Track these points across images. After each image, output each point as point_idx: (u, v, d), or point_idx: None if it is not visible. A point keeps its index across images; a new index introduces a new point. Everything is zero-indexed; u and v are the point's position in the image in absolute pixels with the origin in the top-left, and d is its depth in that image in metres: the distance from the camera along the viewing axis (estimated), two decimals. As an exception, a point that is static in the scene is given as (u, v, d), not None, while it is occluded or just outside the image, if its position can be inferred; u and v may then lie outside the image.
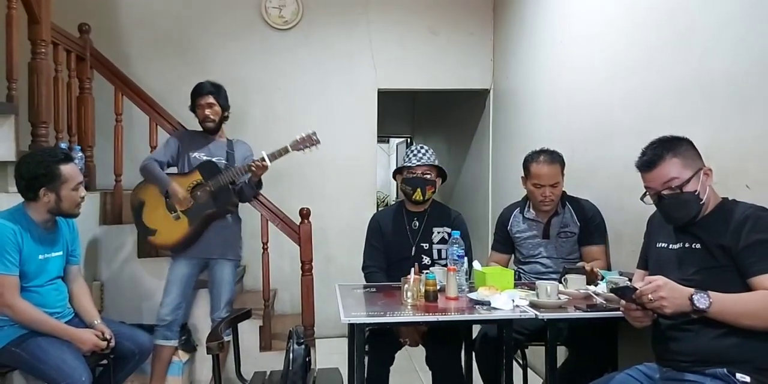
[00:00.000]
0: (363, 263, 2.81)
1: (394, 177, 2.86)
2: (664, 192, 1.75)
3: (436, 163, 2.74)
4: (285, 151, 2.94)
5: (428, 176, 2.71)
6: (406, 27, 4.45)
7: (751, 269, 1.61)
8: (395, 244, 2.76)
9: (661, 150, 1.76)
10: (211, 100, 3.02)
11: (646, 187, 1.81)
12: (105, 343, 2.32)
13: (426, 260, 2.71)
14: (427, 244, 2.73)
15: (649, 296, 1.57)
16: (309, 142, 2.95)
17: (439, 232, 2.74)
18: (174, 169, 3.12)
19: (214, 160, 3.04)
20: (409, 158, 2.74)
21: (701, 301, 1.55)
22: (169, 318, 2.99)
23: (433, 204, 2.83)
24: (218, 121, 3.07)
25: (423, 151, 2.74)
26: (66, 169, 2.28)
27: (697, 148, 1.79)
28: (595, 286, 2.26)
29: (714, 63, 2.09)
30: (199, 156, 3.05)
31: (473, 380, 2.69)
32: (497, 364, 2.22)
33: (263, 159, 2.89)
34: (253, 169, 2.90)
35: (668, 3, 2.35)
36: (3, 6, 2.69)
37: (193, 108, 3.07)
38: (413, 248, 2.73)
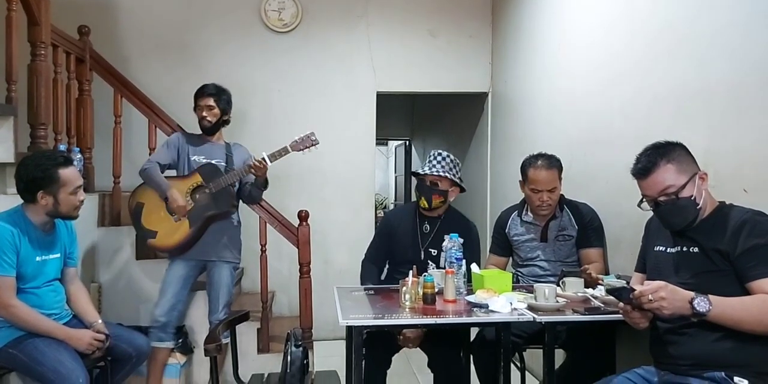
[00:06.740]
0: (365, 253, 2.86)
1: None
2: (661, 199, 1.75)
3: (448, 175, 2.65)
4: (285, 151, 2.96)
5: (437, 185, 2.67)
6: (406, 29, 4.45)
7: (750, 274, 1.61)
8: (403, 244, 2.75)
9: (654, 157, 1.75)
10: (210, 102, 3.04)
11: (642, 194, 1.82)
12: (103, 336, 2.31)
13: (432, 267, 2.66)
14: (436, 250, 2.69)
15: (650, 296, 1.57)
16: (308, 142, 2.97)
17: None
18: (173, 172, 3.12)
19: (213, 162, 3.05)
20: (424, 164, 2.74)
21: (701, 304, 1.55)
22: (163, 319, 2.98)
23: (449, 211, 2.80)
24: (215, 123, 3.08)
25: (440, 158, 2.70)
26: (65, 173, 2.27)
27: (692, 153, 1.79)
28: (594, 289, 2.26)
29: (712, 70, 2.10)
30: (199, 159, 3.06)
31: (471, 383, 2.69)
32: (495, 367, 2.22)
33: (264, 159, 2.91)
34: (254, 169, 2.91)
35: (667, 10, 2.36)
36: (3, 8, 2.69)
37: (195, 108, 3.09)
38: (422, 253, 2.71)
